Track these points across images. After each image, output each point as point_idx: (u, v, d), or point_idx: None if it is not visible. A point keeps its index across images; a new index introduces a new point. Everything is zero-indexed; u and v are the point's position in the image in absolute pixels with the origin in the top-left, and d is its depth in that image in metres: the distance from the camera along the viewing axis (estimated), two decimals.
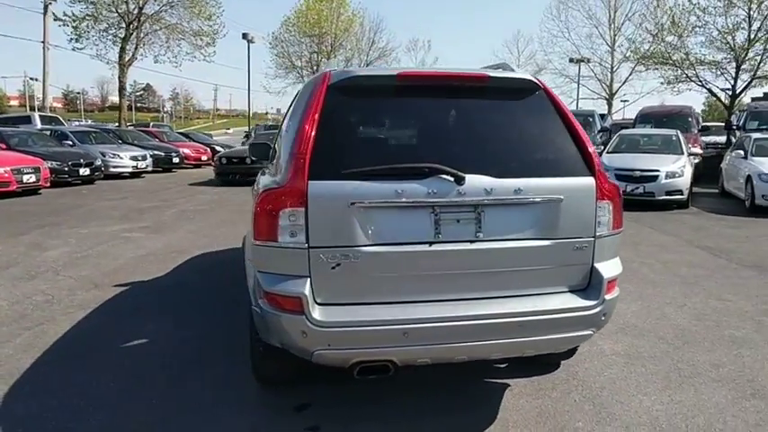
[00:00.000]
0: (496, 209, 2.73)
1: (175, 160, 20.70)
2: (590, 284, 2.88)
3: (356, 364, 2.68)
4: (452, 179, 2.66)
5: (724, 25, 21.70)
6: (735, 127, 16.57)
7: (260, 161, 4.59)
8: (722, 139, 17.53)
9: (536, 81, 3.07)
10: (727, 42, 21.81)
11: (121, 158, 17.52)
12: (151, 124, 32.84)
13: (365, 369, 2.71)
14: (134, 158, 17.87)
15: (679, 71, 23.43)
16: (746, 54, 21.53)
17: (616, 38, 33.00)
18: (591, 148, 2.94)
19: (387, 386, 3.43)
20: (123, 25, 26.82)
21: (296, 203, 2.55)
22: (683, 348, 4.09)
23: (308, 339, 2.58)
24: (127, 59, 27.40)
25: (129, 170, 17.60)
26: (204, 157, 22.88)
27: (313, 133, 2.66)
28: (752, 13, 21.08)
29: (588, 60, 34.10)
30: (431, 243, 2.66)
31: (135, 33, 27.08)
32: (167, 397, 3.33)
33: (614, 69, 33.79)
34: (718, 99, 23.94)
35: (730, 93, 22.33)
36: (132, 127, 27.55)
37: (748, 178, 10.98)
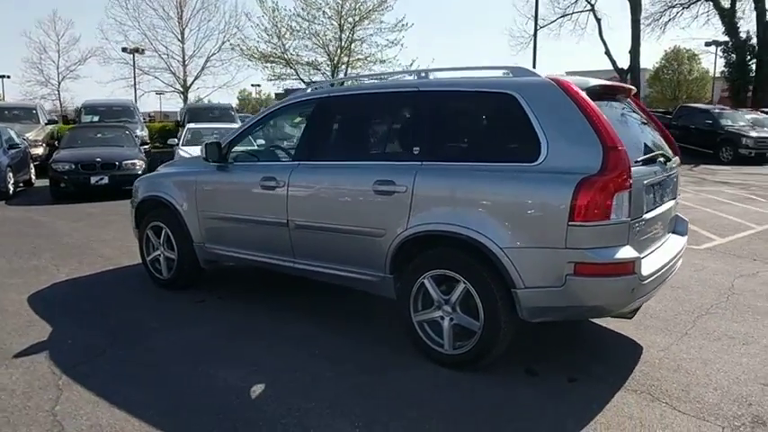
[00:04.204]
0: (665, 180, 3.72)
1: None
2: (676, 227, 4.10)
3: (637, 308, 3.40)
4: (664, 160, 3.68)
5: (319, 33, 26.63)
6: None
7: None
8: None
9: (633, 88, 4.11)
10: (324, 48, 26.98)
11: None
12: None
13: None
14: None
15: (288, 68, 27.34)
16: (340, 58, 27.07)
17: (185, 32, 33.12)
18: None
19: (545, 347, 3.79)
20: None
21: (626, 186, 3.07)
22: None
23: (634, 293, 3.12)
24: None
25: None
26: None
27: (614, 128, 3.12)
28: (342, 25, 26.42)
29: (143, 51, 32.61)
30: (654, 207, 3.54)
31: None
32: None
33: (186, 63, 33.64)
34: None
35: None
36: None
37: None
